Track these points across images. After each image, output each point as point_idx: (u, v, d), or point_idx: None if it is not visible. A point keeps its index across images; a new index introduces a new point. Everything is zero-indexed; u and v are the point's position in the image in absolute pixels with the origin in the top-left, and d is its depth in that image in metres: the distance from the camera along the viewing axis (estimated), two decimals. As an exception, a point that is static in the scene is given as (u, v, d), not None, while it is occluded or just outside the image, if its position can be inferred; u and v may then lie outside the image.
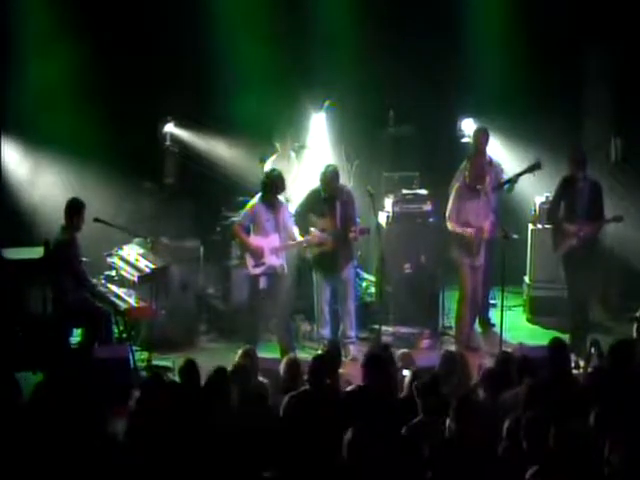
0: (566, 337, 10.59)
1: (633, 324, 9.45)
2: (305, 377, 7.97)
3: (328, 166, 10.97)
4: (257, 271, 10.73)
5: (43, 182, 12.32)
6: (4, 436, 6.89)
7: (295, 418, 7.47)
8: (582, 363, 9.56)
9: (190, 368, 7.85)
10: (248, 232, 10.80)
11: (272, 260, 10.71)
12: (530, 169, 11.38)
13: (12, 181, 12.35)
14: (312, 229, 10.88)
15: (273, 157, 11.88)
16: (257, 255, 10.69)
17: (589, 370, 8.89)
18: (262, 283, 10.76)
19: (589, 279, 11.21)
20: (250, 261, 10.74)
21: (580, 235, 10.94)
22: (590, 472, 6.39)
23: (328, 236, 10.84)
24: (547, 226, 11.89)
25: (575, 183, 11.03)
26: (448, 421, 7.01)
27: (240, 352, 8.40)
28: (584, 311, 11.25)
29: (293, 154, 12.08)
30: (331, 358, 8.33)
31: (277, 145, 11.92)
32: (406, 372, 8.27)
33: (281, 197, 10.87)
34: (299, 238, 10.86)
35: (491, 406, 7.66)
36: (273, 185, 10.66)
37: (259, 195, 10.76)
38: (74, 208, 10.12)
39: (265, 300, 10.79)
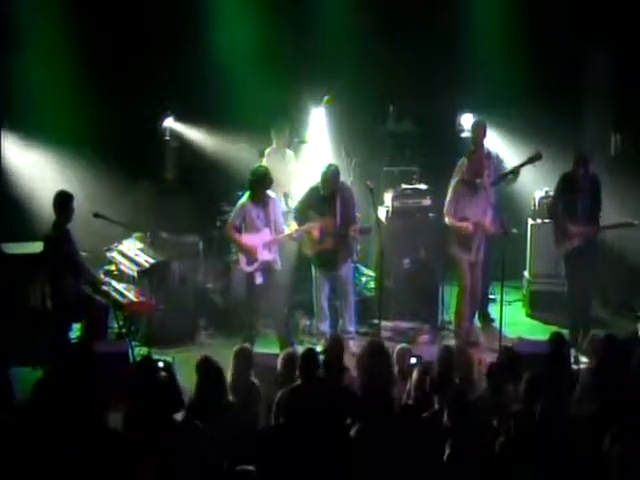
0: (565, 332, 10.60)
1: (638, 323, 9.46)
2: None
3: (330, 165, 10.96)
4: (250, 268, 10.76)
5: (43, 177, 12.31)
6: (3, 432, 6.92)
7: (288, 412, 7.48)
8: (582, 358, 9.59)
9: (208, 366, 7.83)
10: (240, 231, 10.82)
11: (265, 255, 10.75)
12: (530, 160, 11.34)
13: (12, 176, 12.36)
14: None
15: (268, 150, 11.90)
16: (250, 253, 10.72)
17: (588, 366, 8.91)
18: (258, 279, 10.79)
19: (590, 276, 11.22)
20: (243, 259, 10.79)
21: (583, 235, 10.95)
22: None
23: (322, 229, 10.84)
24: (547, 221, 11.92)
25: (575, 180, 11.03)
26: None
27: (234, 350, 8.39)
28: (585, 308, 11.25)
29: (291, 152, 12.10)
30: (333, 352, 8.35)
31: (273, 136, 11.93)
32: (413, 360, 8.29)
33: (271, 193, 10.88)
34: (288, 231, 10.92)
35: (493, 401, 7.68)
36: (260, 181, 10.68)
37: (247, 193, 10.78)
38: (60, 202, 10.07)
39: (261, 295, 10.81)
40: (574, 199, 11.03)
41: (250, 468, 6.17)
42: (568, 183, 11.11)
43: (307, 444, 6.94)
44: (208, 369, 7.71)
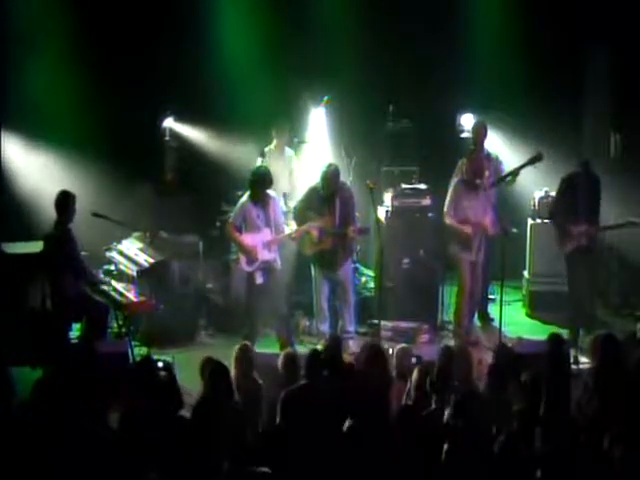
0: (565, 332, 10.62)
1: (637, 323, 9.46)
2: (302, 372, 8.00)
3: (330, 165, 10.95)
4: (250, 268, 10.76)
5: (43, 176, 12.32)
6: (3, 433, 6.91)
7: (291, 412, 7.49)
8: (582, 358, 9.59)
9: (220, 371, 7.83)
10: (241, 230, 10.82)
11: (265, 255, 10.74)
12: (531, 161, 11.33)
13: (12, 175, 12.36)
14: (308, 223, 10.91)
15: (267, 149, 11.90)
16: (250, 253, 10.71)
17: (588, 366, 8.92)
18: (259, 278, 10.78)
19: (591, 277, 11.24)
20: (243, 259, 10.79)
21: (585, 235, 10.97)
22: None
23: (321, 229, 10.83)
24: (546, 221, 11.94)
25: (577, 182, 11.05)
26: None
27: (236, 349, 8.39)
28: (588, 308, 11.27)
29: (292, 151, 12.10)
30: (331, 352, 8.35)
31: (274, 135, 11.94)
32: (413, 360, 8.28)
33: (272, 192, 10.87)
34: (288, 231, 10.91)
35: (493, 401, 7.68)
36: (260, 181, 10.68)
37: (247, 193, 10.77)
38: (63, 202, 10.06)
39: (261, 295, 10.80)
40: (575, 200, 11.04)
41: (265, 470, 6.18)
42: (569, 184, 11.12)
43: (311, 443, 6.94)
44: (214, 370, 7.69)
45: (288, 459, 6.84)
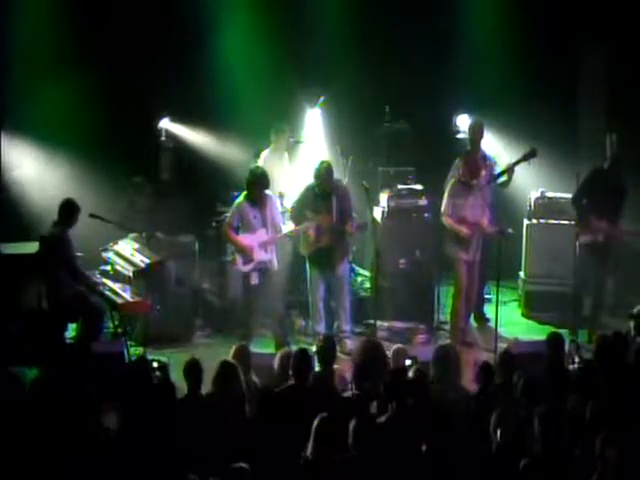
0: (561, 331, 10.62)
1: (630, 322, 9.47)
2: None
3: (322, 162, 10.96)
4: (246, 268, 10.75)
5: (40, 178, 12.32)
6: (2, 431, 6.91)
7: (279, 413, 7.48)
8: (577, 358, 9.59)
9: (193, 368, 7.84)
10: (237, 231, 10.82)
11: (261, 255, 10.73)
12: (525, 158, 11.32)
13: (9, 177, 12.35)
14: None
15: (266, 151, 11.91)
16: (246, 253, 10.71)
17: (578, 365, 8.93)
18: (254, 279, 10.78)
19: (600, 273, 11.31)
20: (239, 259, 10.78)
21: (605, 232, 11.04)
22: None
23: (318, 227, 10.83)
24: (542, 221, 11.99)
25: (606, 178, 11.08)
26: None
27: (233, 350, 8.39)
28: (595, 308, 11.39)
29: (286, 153, 12.11)
30: (325, 352, 8.35)
31: (272, 137, 11.95)
32: (408, 361, 8.29)
33: (269, 192, 10.87)
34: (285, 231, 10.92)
35: (485, 401, 7.68)
36: (257, 182, 10.66)
37: (244, 193, 10.77)
38: (69, 210, 10.06)
39: (258, 295, 10.80)
40: (602, 197, 11.06)
41: (244, 465, 6.18)
42: (599, 179, 11.16)
43: (300, 443, 6.93)
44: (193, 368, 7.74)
45: (274, 458, 6.82)
